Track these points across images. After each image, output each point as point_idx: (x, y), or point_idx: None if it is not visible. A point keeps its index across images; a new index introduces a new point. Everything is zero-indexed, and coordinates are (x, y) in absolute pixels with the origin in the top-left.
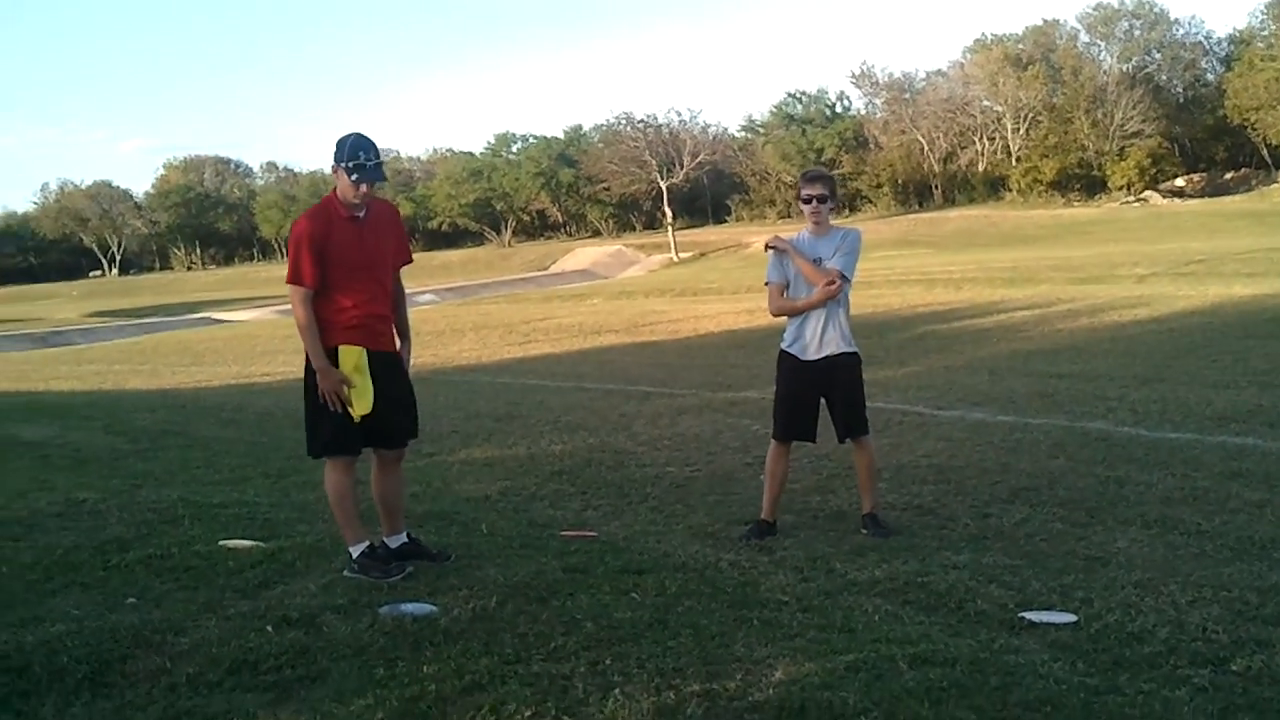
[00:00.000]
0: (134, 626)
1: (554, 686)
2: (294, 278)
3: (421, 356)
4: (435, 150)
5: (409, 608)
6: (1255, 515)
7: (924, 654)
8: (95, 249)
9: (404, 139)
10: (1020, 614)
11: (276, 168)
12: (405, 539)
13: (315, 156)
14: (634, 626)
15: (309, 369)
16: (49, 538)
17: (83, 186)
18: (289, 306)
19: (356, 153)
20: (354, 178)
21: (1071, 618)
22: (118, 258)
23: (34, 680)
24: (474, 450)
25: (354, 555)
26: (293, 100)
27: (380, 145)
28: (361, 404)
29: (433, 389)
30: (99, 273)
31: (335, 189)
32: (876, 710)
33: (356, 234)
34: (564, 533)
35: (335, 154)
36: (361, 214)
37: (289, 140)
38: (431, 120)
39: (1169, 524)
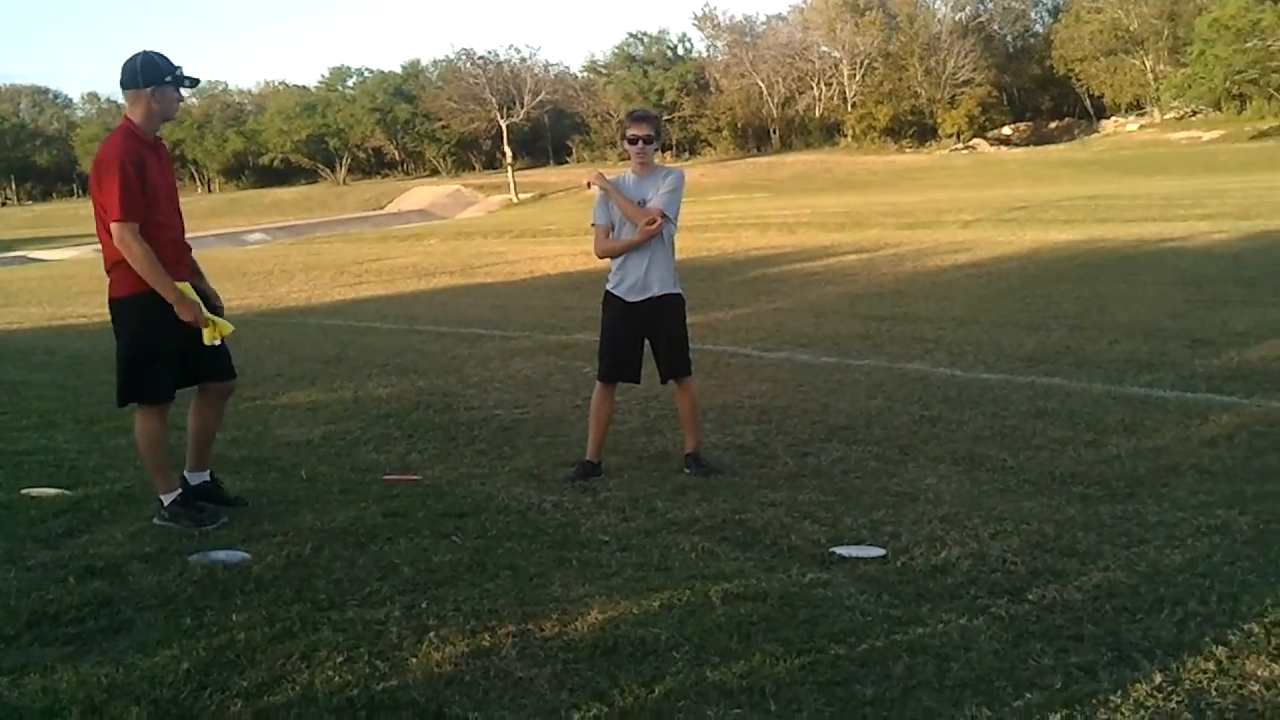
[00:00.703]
0: None
1: (368, 631)
2: (128, 213)
3: (248, 298)
4: (267, 83)
5: (220, 555)
6: (1058, 451)
7: (737, 590)
8: None
9: (233, 70)
10: (831, 549)
11: (98, 99)
12: (207, 478)
13: None
14: (452, 570)
15: (128, 312)
16: None
17: None
18: (100, 246)
19: (172, 65)
20: (187, 85)
21: (880, 552)
22: None
23: None
24: (298, 394)
25: (165, 503)
26: (116, 28)
27: (209, 77)
28: (224, 326)
29: (258, 331)
30: None
31: (130, 118)
32: (688, 645)
33: (159, 162)
34: (386, 477)
35: (144, 74)
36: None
37: (111, 71)
38: (262, 51)
39: (977, 460)
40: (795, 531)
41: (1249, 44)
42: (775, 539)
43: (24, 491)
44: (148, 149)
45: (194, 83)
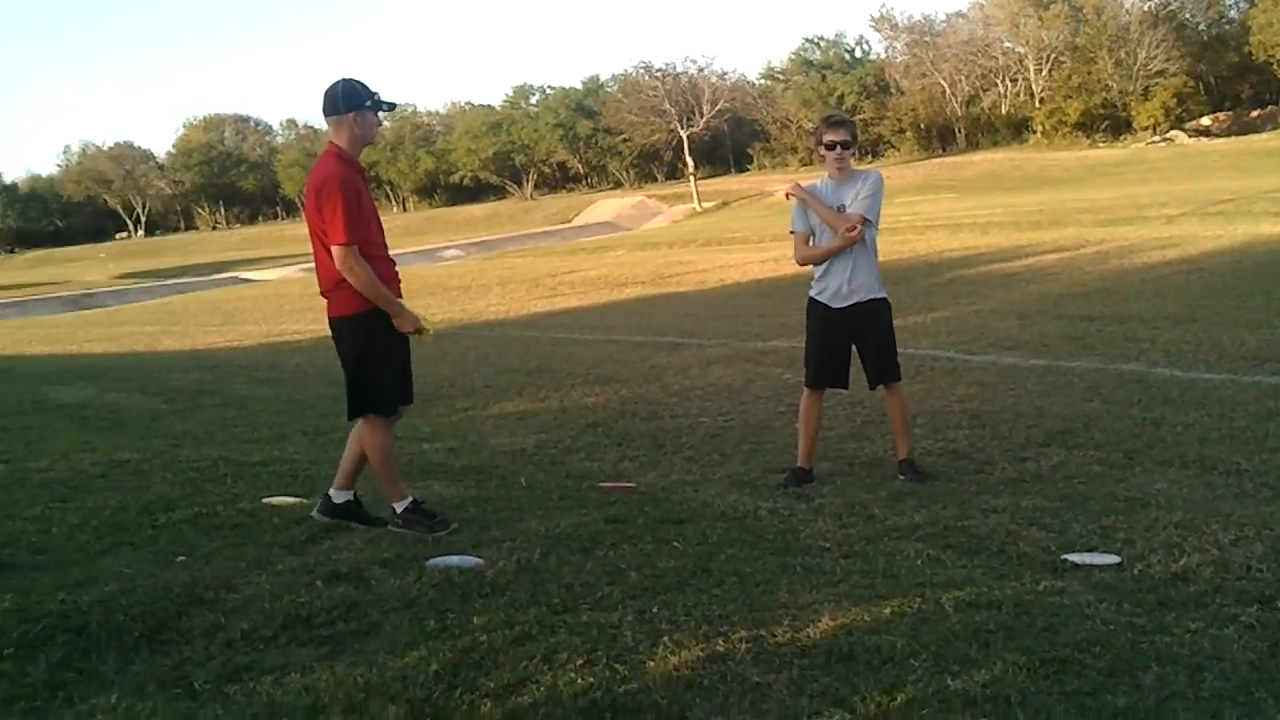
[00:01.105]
0: (186, 584)
1: (603, 635)
2: (352, 236)
3: (449, 312)
4: (453, 104)
5: (455, 560)
6: None
7: (969, 597)
8: (120, 210)
9: (421, 93)
10: (1063, 556)
11: (296, 125)
12: (351, 497)
13: None
14: (678, 575)
15: (351, 330)
16: (95, 498)
17: (104, 148)
18: (312, 265)
19: (370, 90)
20: (385, 109)
21: (1115, 559)
22: (142, 219)
23: (93, 639)
24: (506, 404)
25: (398, 510)
26: (310, 57)
27: (400, 100)
28: (429, 329)
29: (461, 344)
30: (124, 234)
31: (336, 143)
32: (925, 653)
33: (365, 182)
34: (602, 484)
35: (345, 101)
36: None
37: (308, 97)
38: (449, 73)
39: (1208, 464)
40: (1022, 539)
41: None
42: (1002, 546)
43: (265, 500)
44: (359, 170)
45: (391, 106)
